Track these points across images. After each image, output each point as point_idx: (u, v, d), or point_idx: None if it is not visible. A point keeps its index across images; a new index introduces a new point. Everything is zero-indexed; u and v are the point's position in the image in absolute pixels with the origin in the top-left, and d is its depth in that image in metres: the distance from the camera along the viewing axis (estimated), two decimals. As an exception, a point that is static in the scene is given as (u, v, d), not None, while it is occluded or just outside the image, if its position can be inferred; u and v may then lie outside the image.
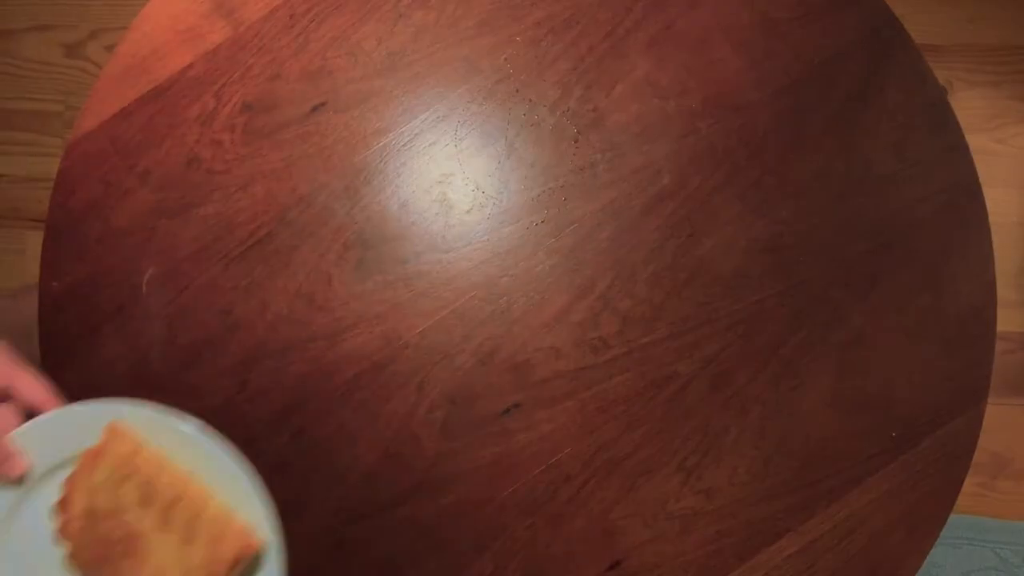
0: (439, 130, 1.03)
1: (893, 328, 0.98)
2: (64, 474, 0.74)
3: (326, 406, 0.99)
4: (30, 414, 0.77)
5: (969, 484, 1.79)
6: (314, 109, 1.03)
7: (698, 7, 1.02)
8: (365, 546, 0.98)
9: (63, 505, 0.73)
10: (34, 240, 1.89)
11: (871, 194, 0.98)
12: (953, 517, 1.75)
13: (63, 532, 0.73)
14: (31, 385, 0.74)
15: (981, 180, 1.01)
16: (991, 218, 1.01)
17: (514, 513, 0.97)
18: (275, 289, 1.01)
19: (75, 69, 1.92)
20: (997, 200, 1.81)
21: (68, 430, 0.74)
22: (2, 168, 1.90)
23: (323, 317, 1.00)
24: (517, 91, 1.04)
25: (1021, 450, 1.79)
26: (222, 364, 1.00)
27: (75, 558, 0.73)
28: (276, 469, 0.98)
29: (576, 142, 1.02)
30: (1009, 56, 1.85)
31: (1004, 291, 1.75)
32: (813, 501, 0.97)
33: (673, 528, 0.97)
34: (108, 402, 0.76)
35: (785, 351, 0.98)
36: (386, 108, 1.00)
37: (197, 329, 1.00)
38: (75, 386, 0.99)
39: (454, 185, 1.01)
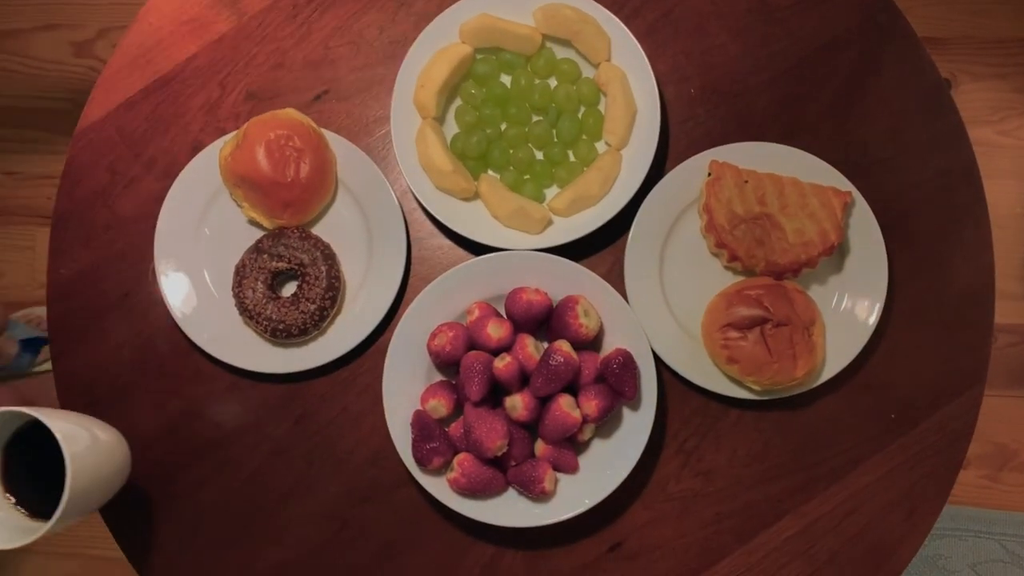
0: (440, 117, 1.04)
1: (891, 310, 0.99)
2: (687, 210, 0.99)
3: (329, 391, 1.00)
4: None
5: (974, 476, 1.79)
6: (317, 97, 1.04)
7: (696, -6, 1.03)
8: (367, 528, 0.99)
9: (709, 226, 0.96)
10: (43, 237, 1.91)
11: (869, 178, 0.99)
12: (959, 509, 1.75)
13: (718, 244, 0.96)
14: None
15: (985, 172, 1.01)
16: (995, 210, 1.01)
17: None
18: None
19: (84, 67, 1.94)
20: (1001, 192, 1.81)
21: (681, 184, 0.98)
22: (12, 166, 1.92)
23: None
24: (517, 79, 1.05)
25: (1026, 442, 1.79)
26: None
27: (733, 258, 0.96)
28: (278, 453, 1.00)
29: (576, 128, 1.03)
30: (1013, 49, 1.85)
31: (1009, 283, 1.75)
32: (812, 483, 0.98)
33: (673, 510, 0.98)
34: (701, 156, 0.98)
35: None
36: (388, 95, 1.01)
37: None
38: (82, 371, 1.01)
39: (455, 171, 1.02)
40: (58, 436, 0.80)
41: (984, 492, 1.79)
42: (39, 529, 0.81)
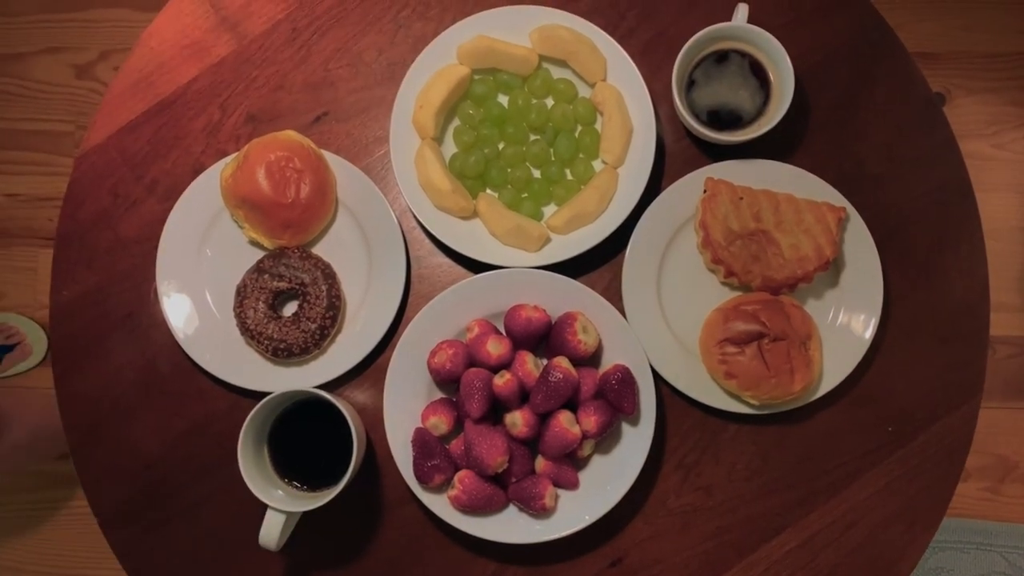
0: (439, 137, 1.05)
1: (888, 324, 0.99)
2: (683, 226, 1.00)
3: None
4: None
5: (976, 489, 1.79)
6: (317, 119, 1.05)
7: (689, 14, 1.05)
8: (369, 546, 0.99)
9: (706, 242, 0.96)
10: (46, 258, 1.92)
11: (863, 194, 1.00)
12: (961, 522, 1.75)
13: (714, 260, 0.96)
14: None
15: (981, 185, 1.02)
16: (992, 223, 1.02)
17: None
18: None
19: (85, 90, 1.95)
20: (997, 205, 1.82)
21: (677, 201, 0.99)
22: (15, 187, 1.93)
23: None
24: (514, 98, 1.06)
25: (1027, 454, 1.79)
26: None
27: (730, 274, 0.96)
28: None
29: (573, 147, 1.04)
30: (1005, 62, 1.86)
31: (1007, 295, 1.75)
32: (812, 496, 0.98)
33: (673, 524, 0.98)
34: (697, 173, 0.99)
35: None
36: (387, 116, 1.02)
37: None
38: (85, 391, 1.02)
39: (454, 190, 1.03)
40: (345, 414, 0.91)
41: (986, 504, 1.79)
42: (319, 497, 0.91)
